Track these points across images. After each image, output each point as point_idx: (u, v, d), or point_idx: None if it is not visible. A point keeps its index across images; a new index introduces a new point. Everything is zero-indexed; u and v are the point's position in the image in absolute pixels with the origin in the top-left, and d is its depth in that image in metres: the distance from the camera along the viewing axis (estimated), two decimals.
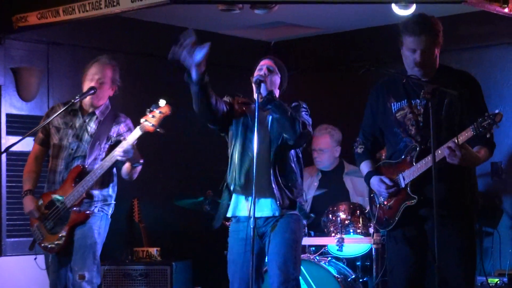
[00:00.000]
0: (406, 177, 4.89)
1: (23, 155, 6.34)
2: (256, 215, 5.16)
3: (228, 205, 5.40)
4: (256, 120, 5.11)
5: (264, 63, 5.38)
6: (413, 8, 6.67)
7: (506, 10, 6.26)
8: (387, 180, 4.96)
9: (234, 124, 5.42)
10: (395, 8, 6.73)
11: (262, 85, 5.20)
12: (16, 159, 7.10)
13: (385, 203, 5.03)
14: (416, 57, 4.85)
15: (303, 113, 5.37)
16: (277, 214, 5.28)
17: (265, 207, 5.30)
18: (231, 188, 5.36)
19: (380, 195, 5.04)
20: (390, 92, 5.04)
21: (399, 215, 4.93)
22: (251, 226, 5.08)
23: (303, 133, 5.23)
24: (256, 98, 5.18)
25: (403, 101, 4.96)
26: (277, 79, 5.37)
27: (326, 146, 7.59)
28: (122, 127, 6.01)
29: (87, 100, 5.95)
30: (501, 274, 6.97)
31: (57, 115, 5.92)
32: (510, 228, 7.68)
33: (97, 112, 5.98)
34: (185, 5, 7.17)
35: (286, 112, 5.17)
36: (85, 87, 5.93)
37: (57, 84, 7.61)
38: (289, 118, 5.16)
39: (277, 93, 5.36)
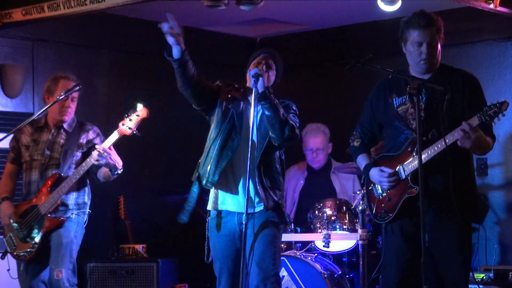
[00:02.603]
0: (406, 168, 4.93)
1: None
2: (237, 211, 5.22)
3: (197, 198, 5.33)
4: (252, 111, 5.10)
5: (263, 58, 5.30)
6: (398, 4, 6.67)
7: (492, 6, 6.28)
8: (387, 169, 4.99)
9: (220, 118, 5.32)
10: (380, 4, 6.73)
11: (260, 79, 5.15)
12: (1, 156, 7.06)
13: (385, 195, 5.05)
14: (423, 49, 4.89)
15: (291, 115, 5.34)
16: (256, 210, 5.24)
17: (244, 204, 5.19)
18: (203, 183, 5.28)
19: (381, 186, 5.06)
20: (392, 88, 5.08)
21: (398, 207, 4.95)
22: (243, 222, 5.06)
23: (290, 136, 5.21)
24: (253, 93, 5.13)
25: (405, 96, 4.98)
26: (273, 76, 5.32)
27: (322, 146, 7.60)
28: (90, 134, 6.11)
29: (56, 116, 6.02)
30: (487, 270, 6.99)
31: (24, 124, 5.94)
32: (495, 224, 7.71)
33: (65, 126, 6.08)
34: (171, 1, 7.15)
35: (278, 112, 5.15)
36: (54, 108, 5.99)
37: (42, 81, 7.55)
38: (280, 119, 5.15)
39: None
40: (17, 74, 7.38)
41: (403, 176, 4.95)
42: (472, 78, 5.04)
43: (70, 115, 6.05)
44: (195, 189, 5.32)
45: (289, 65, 8.84)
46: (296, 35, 8.96)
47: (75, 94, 6.03)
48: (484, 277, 6.83)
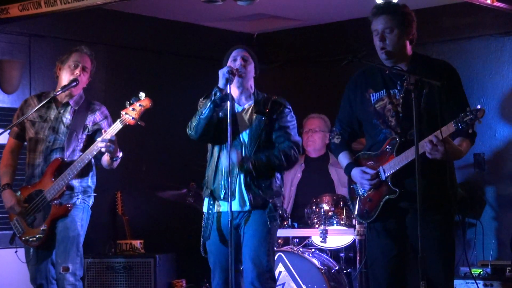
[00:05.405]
0: (386, 170, 4.82)
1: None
2: (226, 210, 5.25)
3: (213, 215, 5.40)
4: (229, 113, 5.16)
5: (238, 54, 5.37)
6: None
7: (489, 1, 6.28)
8: (369, 171, 4.89)
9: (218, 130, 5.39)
10: None
11: (236, 79, 5.27)
12: None
13: (366, 195, 4.99)
14: (376, 40, 4.83)
15: (291, 127, 5.40)
16: (247, 209, 5.30)
17: (237, 203, 5.29)
18: (221, 196, 5.32)
19: (362, 186, 4.99)
20: (368, 82, 4.96)
21: (379, 207, 4.88)
22: (228, 219, 5.12)
23: (295, 161, 5.40)
24: (228, 94, 5.22)
25: (382, 91, 4.87)
26: (252, 68, 5.39)
27: (318, 126, 7.52)
28: (97, 115, 5.99)
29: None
30: (484, 265, 6.99)
31: (35, 110, 5.88)
32: (492, 219, 7.72)
33: (71, 103, 5.94)
34: None
35: (273, 166, 5.29)
36: (63, 76, 5.91)
37: (39, 77, 7.58)
38: (280, 165, 5.30)
39: (251, 82, 5.41)
40: (14, 70, 7.37)
41: (383, 178, 4.85)
42: (451, 68, 4.89)
43: (77, 88, 5.92)
44: (211, 206, 5.39)
45: (286, 60, 8.92)
46: (294, 31, 8.96)
47: (88, 64, 5.93)
48: (481, 272, 6.83)
